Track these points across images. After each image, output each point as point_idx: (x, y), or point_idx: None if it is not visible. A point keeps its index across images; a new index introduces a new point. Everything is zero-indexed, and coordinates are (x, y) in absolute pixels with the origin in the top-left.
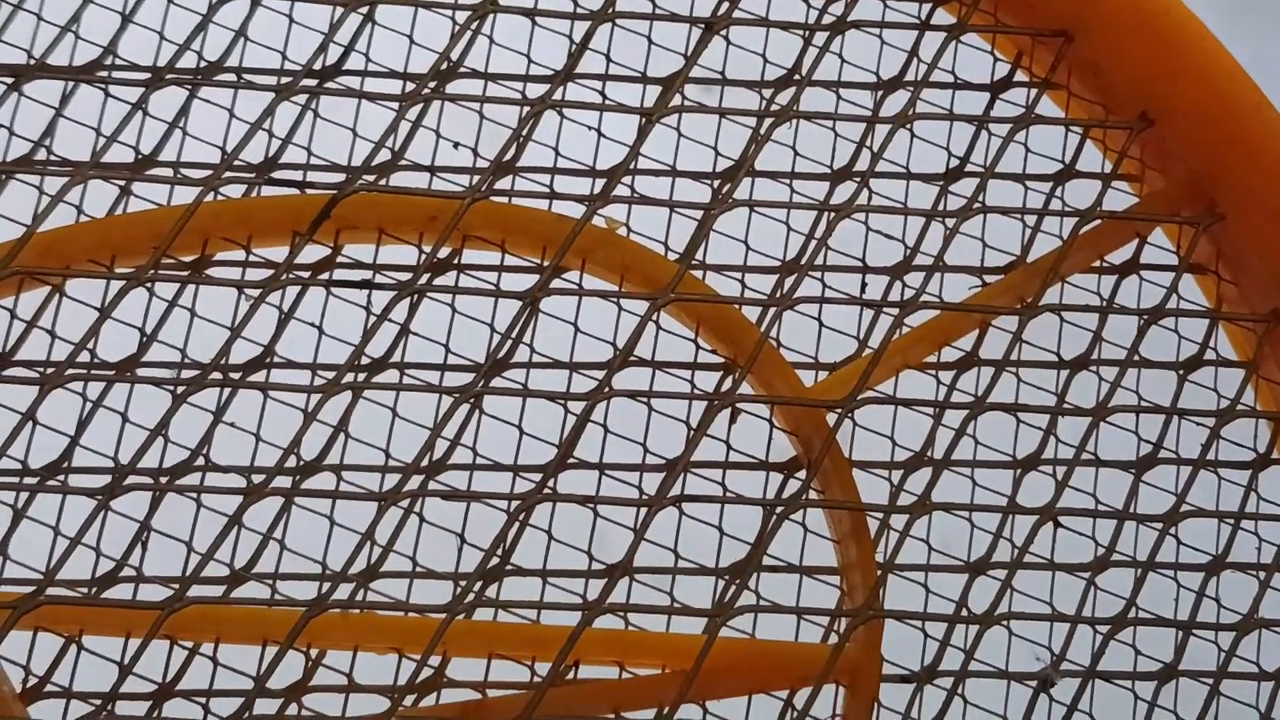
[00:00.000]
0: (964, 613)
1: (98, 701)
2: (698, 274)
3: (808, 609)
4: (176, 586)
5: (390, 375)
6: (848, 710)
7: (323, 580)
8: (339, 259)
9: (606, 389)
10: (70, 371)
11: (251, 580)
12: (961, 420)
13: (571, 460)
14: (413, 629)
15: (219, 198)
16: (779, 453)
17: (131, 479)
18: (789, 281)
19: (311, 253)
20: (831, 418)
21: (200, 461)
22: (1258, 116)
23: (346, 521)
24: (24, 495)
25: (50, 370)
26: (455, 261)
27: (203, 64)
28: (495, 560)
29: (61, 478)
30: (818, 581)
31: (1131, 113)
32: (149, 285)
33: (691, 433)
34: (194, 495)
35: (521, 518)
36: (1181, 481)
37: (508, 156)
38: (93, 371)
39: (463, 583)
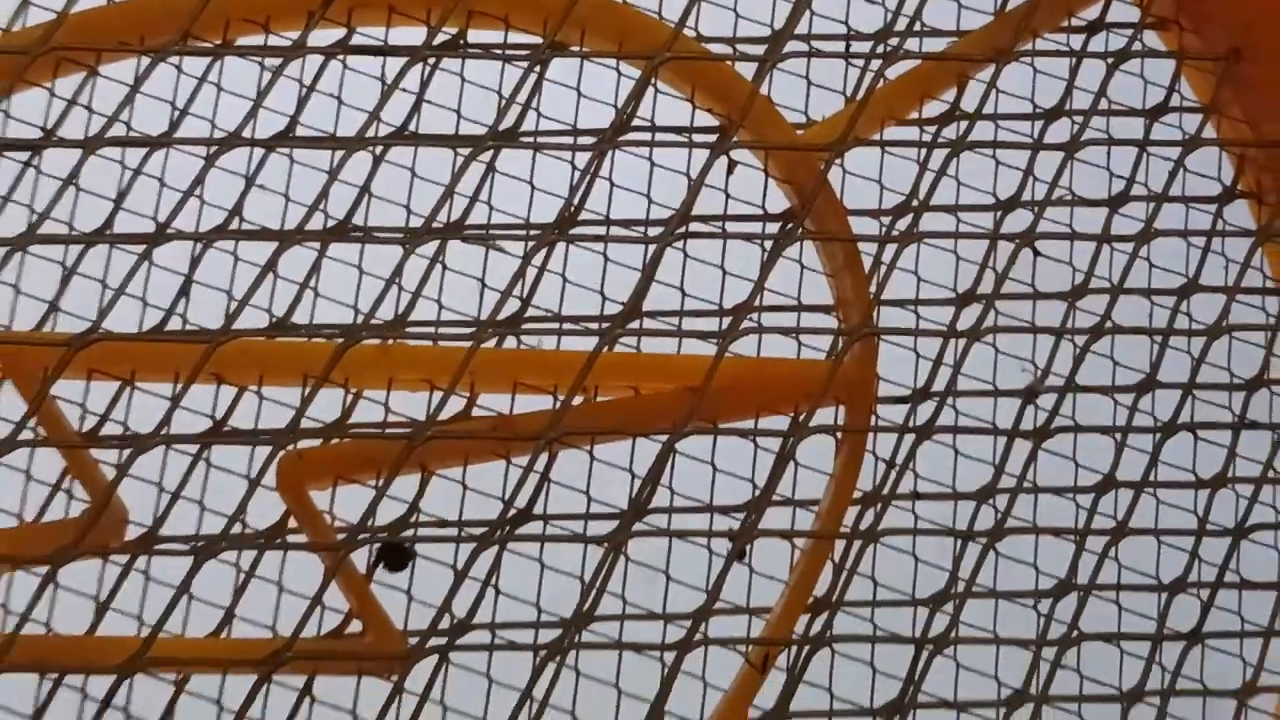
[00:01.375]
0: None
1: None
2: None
3: (807, 328)
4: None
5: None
6: (848, 424)
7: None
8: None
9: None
10: (109, 136)
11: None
12: (942, 161)
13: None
14: (442, 359)
15: None
16: (776, 205)
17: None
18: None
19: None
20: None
21: (234, 224)
22: None
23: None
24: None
25: (90, 137)
26: (462, 39)
27: None
28: (515, 301)
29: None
30: (816, 315)
31: None
32: (177, 63)
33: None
34: (231, 250)
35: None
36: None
37: None
38: (130, 138)
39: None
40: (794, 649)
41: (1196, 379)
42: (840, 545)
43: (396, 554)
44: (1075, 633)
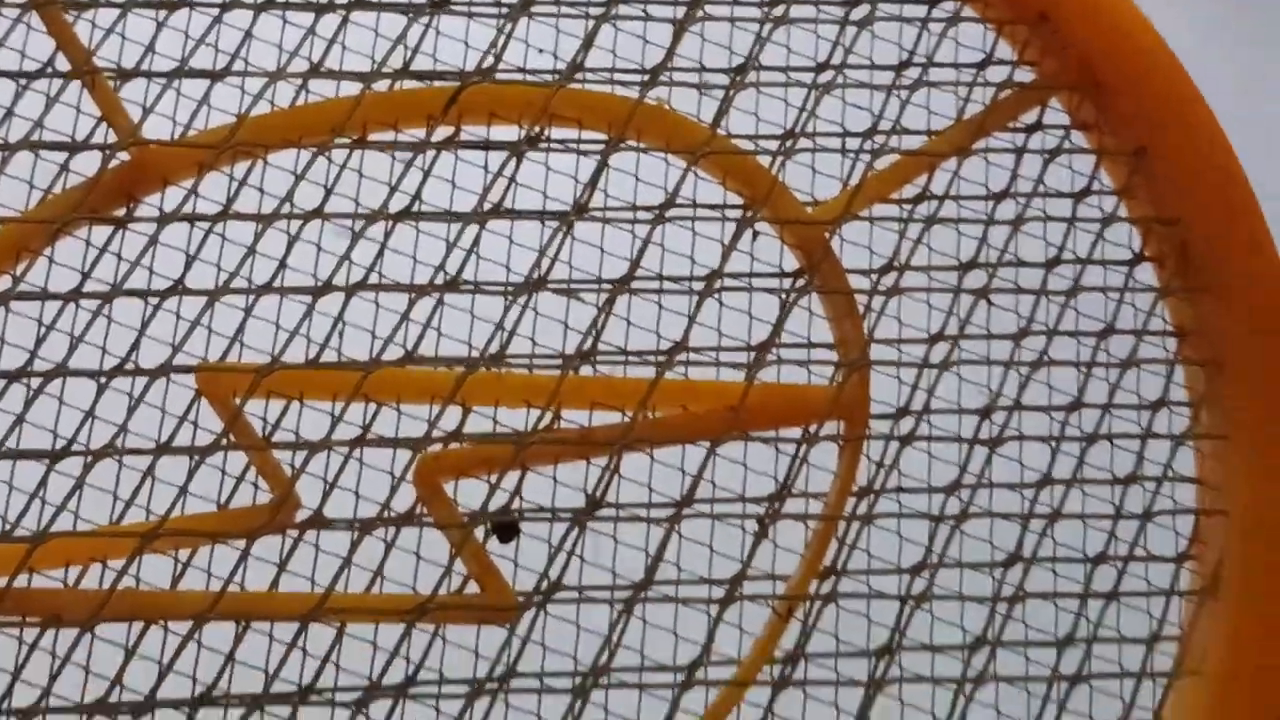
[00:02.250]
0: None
1: None
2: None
3: (816, 360)
4: None
5: None
6: (847, 435)
7: None
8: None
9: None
10: (279, 213)
11: None
12: (918, 232)
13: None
14: (537, 385)
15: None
16: (789, 265)
17: None
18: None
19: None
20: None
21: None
22: (1127, 10)
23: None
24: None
25: (264, 214)
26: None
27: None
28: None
29: None
30: (822, 350)
31: (1033, 13)
32: (328, 155)
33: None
34: (373, 299)
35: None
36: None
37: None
38: (292, 213)
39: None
40: (809, 604)
41: (1113, 400)
42: (843, 526)
43: (507, 530)
44: (1021, 593)
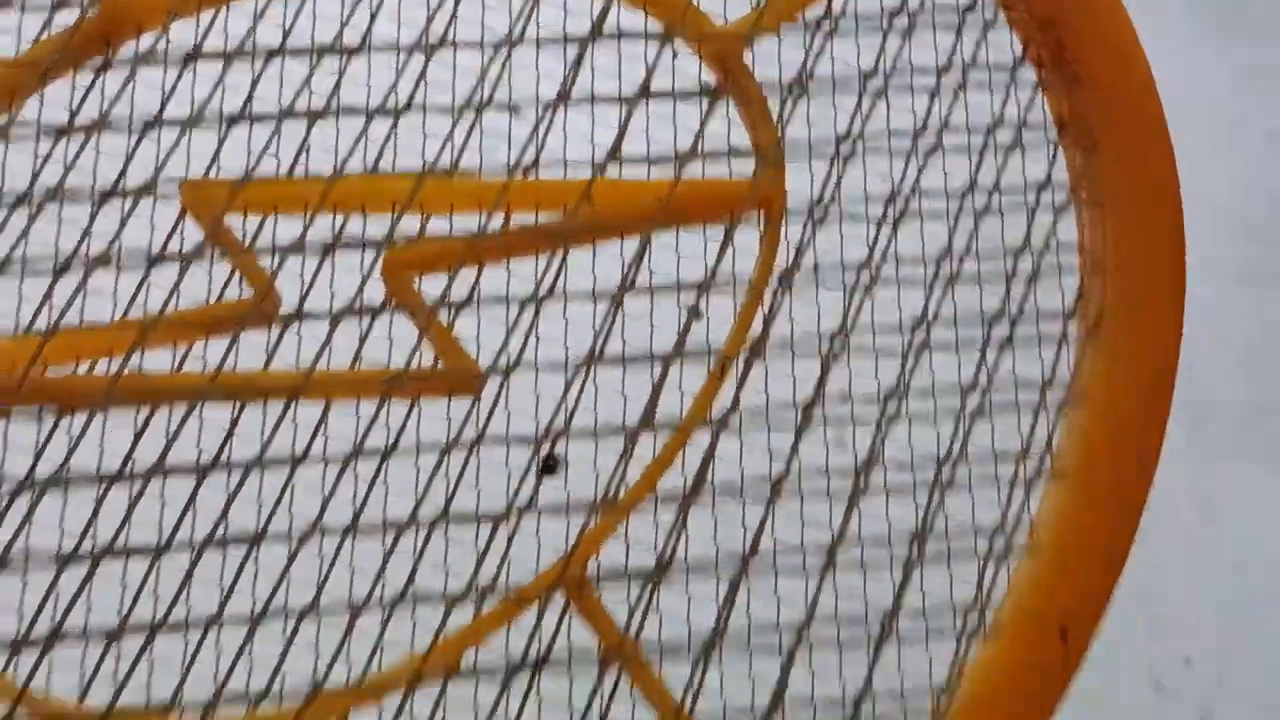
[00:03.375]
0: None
1: None
2: None
3: (737, 151)
4: None
5: None
6: (766, 228)
7: None
8: None
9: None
10: None
11: None
12: (820, 44)
13: None
14: (486, 190)
15: None
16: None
17: None
18: None
19: None
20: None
21: None
22: None
23: None
24: None
25: None
26: None
27: None
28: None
29: None
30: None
31: None
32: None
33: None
34: None
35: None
36: None
37: None
38: None
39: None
40: (740, 362)
41: (1002, 182)
42: (768, 300)
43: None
44: (928, 346)
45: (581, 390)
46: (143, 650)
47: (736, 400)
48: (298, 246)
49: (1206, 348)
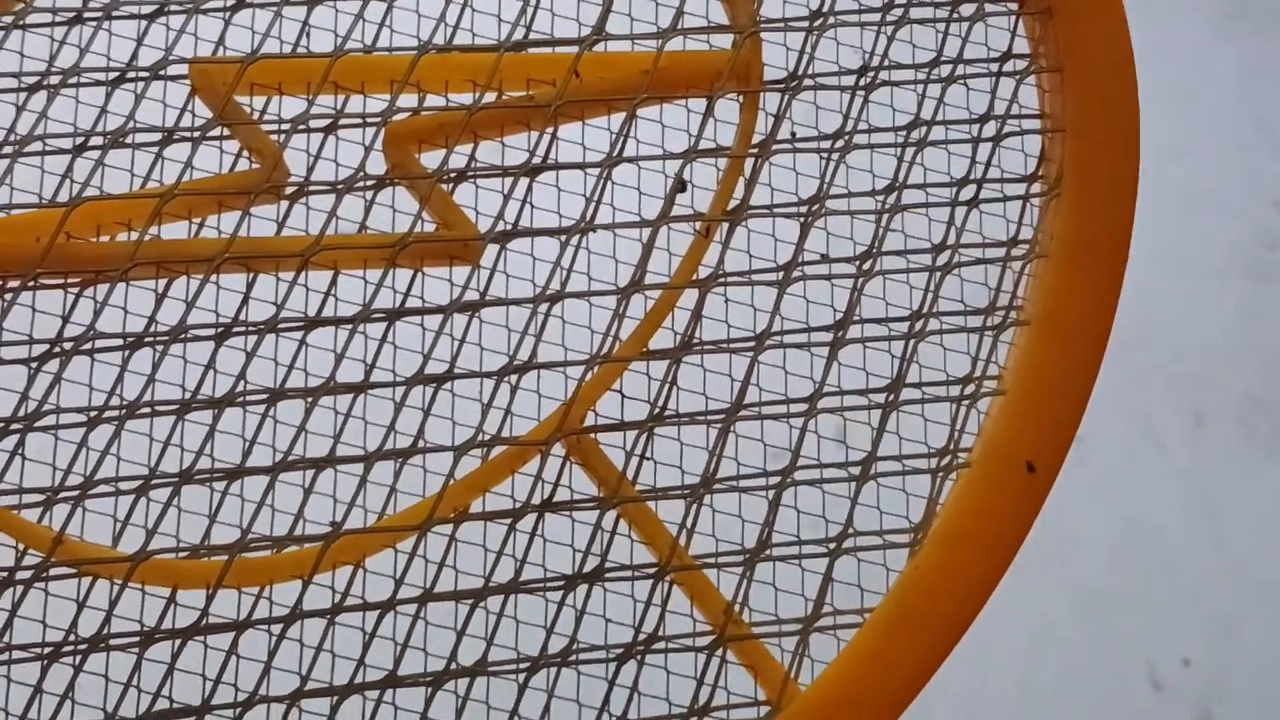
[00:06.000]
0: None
1: None
2: None
3: (716, 29)
4: None
5: None
6: (745, 97)
7: None
8: None
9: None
10: None
11: None
12: None
13: None
14: (481, 62)
15: None
16: None
17: None
18: None
19: None
20: None
21: None
22: None
23: None
24: None
25: None
26: None
27: None
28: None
29: None
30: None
31: None
32: None
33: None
34: None
35: None
36: None
37: None
38: None
39: None
40: (722, 230)
41: (965, 54)
42: (749, 164)
43: None
44: (900, 209)
45: (575, 255)
46: (169, 501)
47: (721, 260)
48: (303, 116)
49: (1208, 345)
